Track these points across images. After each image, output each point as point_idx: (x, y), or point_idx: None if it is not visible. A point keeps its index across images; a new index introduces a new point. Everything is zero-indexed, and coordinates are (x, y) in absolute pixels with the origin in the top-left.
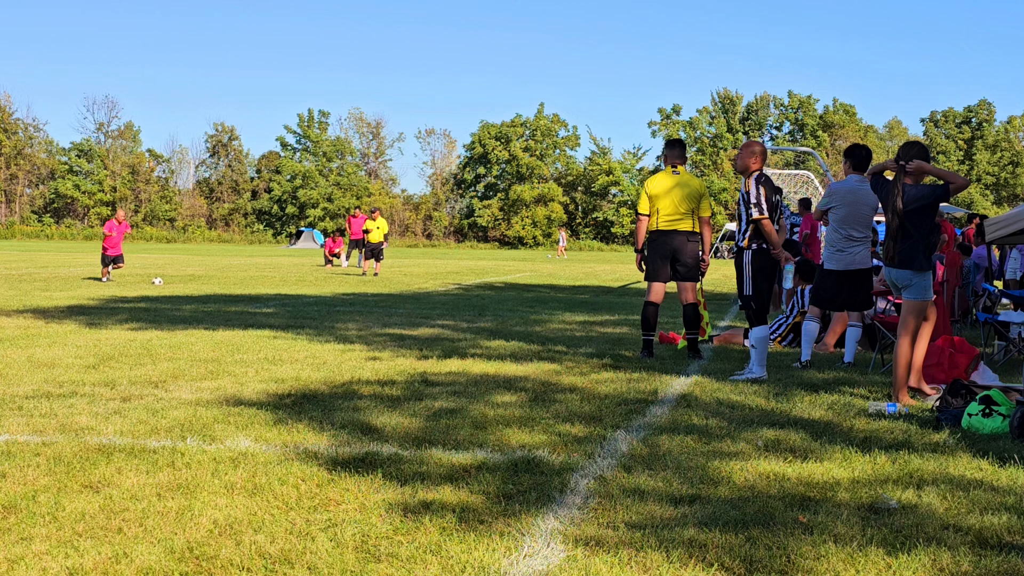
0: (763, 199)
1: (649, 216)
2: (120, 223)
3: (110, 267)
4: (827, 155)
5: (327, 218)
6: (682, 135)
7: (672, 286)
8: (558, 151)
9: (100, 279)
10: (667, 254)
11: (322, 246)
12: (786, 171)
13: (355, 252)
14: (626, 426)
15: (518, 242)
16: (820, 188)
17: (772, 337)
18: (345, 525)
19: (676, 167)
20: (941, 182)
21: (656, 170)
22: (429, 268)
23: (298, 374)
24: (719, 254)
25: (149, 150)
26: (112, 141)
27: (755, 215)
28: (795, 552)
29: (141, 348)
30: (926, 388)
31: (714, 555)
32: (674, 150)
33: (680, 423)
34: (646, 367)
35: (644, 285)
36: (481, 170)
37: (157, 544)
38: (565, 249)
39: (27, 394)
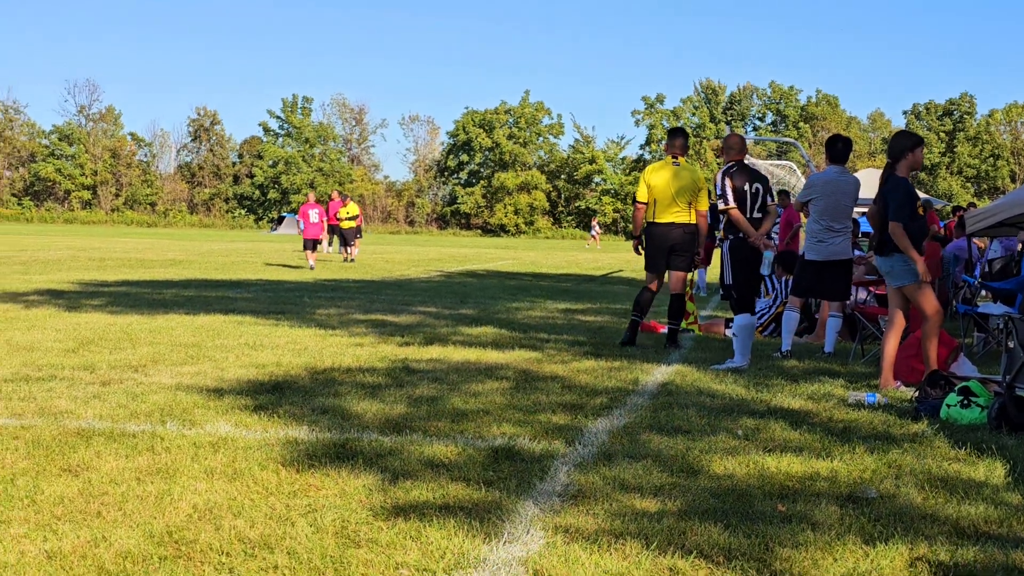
0: (728, 190)
1: (646, 204)
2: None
3: (312, 250)
4: (809, 146)
5: None
6: (664, 124)
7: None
8: (542, 139)
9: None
10: (663, 246)
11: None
12: (768, 161)
13: (336, 238)
14: (607, 415)
15: (500, 230)
16: (802, 179)
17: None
18: (325, 510)
19: (677, 158)
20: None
21: (641, 159)
22: (411, 255)
23: (279, 360)
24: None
25: (131, 134)
26: (93, 124)
27: (721, 206)
28: (774, 540)
29: (121, 332)
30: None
31: (693, 543)
32: (676, 140)
33: (660, 412)
34: (627, 356)
35: (626, 274)
36: (464, 157)
37: (136, 528)
38: (598, 237)
39: (6, 377)
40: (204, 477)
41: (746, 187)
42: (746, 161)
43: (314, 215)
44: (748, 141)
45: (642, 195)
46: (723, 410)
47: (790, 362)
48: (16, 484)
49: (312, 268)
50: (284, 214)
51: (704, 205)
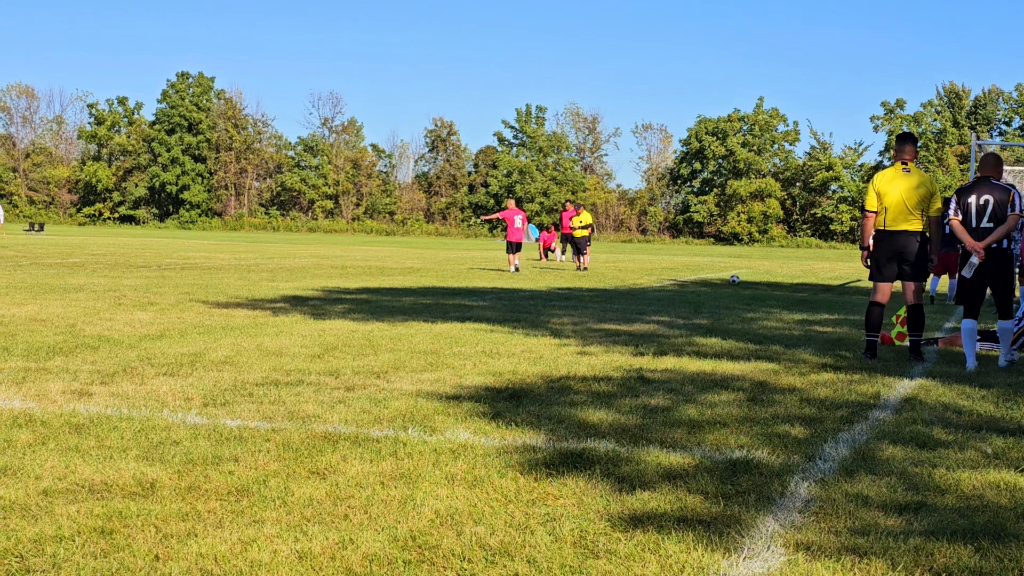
0: (954, 202)
1: (876, 213)
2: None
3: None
4: None
5: (543, 213)
6: (904, 129)
7: (897, 285)
8: (776, 146)
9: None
10: (893, 254)
11: (537, 240)
12: (1016, 167)
13: (569, 247)
14: (847, 429)
15: (733, 238)
16: None
17: None
18: (563, 520)
19: (907, 163)
20: None
21: (880, 166)
22: (643, 263)
23: (515, 368)
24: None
25: (372, 145)
26: (336, 136)
27: (948, 217)
28: None
29: (363, 339)
30: None
31: (941, 564)
32: (905, 145)
33: (904, 428)
34: (867, 369)
35: (865, 284)
36: (697, 165)
37: (381, 532)
38: None
39: (257, 381)
40: (445, 483)
41: (971, 199)
42: (998, 176)
43: (518, 220)
44: (993, 147)
45: (872, 204)
46: (971, 427)
47: None
48: (268, 485)
49: (513, 272)
50: None
51: (936, 210)
